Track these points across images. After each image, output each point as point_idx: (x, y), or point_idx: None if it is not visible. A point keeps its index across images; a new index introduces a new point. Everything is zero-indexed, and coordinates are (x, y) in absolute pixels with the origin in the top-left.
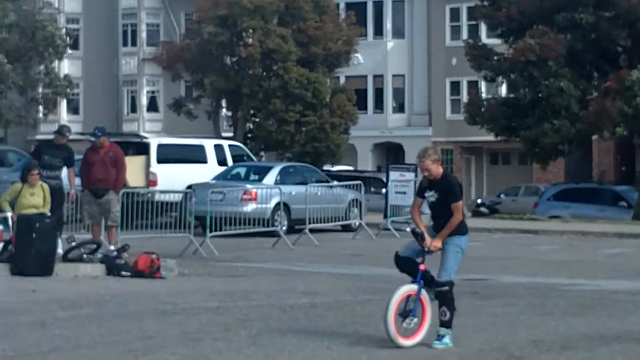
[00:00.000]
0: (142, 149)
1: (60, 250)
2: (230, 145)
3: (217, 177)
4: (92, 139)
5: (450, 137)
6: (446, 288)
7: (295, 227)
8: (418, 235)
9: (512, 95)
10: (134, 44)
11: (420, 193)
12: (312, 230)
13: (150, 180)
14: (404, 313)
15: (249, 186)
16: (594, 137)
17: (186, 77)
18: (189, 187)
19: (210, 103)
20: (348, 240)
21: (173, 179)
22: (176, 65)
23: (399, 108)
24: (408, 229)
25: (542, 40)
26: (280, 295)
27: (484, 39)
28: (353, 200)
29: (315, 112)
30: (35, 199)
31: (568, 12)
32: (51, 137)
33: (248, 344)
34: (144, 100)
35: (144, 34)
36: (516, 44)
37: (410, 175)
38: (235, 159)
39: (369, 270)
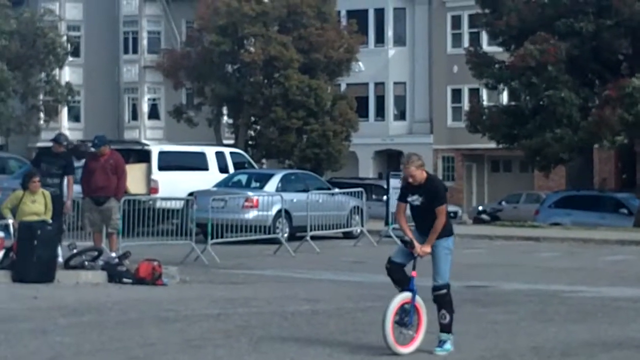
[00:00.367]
0: (143, 156)
1: (60, 258)
2: (231, 153)
3: (219, 185)
4: (93, 149)
5: (452, 144)
6: (444, 291)
7: (296, 234)
8: (407, 243)
9: (513, 103)
10: (135, 51)
11: (402, 198)
12: (313, 238)
13: (152, 188)
14: (401, 321)
15: (250, 193)
16: (595, 146)
17: (187, 85)
18: (191, 194)
19: (212, 110)
20: (349, 248)
21: (174, 186)
22: (177, 72)
23: (400, 115)
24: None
25: (542, 46)
26: (281, 303)
27: (485, 46)
28: (354, 207)
29: (316, 119)
30: (37, 206)
31: (568, 20)
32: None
33: (249, 351)
34: (145, 108)
35: (145, 42)
36: (517, 51)
37: None
38: (237, 166)
39: (370, 278)
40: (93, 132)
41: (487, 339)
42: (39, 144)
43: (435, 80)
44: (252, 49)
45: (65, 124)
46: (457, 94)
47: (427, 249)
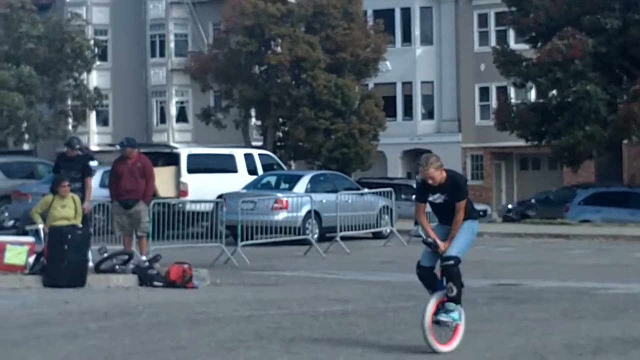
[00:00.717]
0: (172, 159)
1: (91, 262)
2: (260, 154)
3: (248, 186)
4: (118, 147)
5: (480, 143)
6: (452, 262)
7: (326, 235)
8: (430, 245)
9: (541, 100)
10: (162, 54)
11: (422, 198)
12: (343, 238)
13: (181, 191)
14: (442, 319)
15: (279, 195)
16: (624, 141)
17: (215, 87)
18: (220, 196)
19: (240, 112)
20: (379, 248)
21: (204, 188)
22: (205, 75)
23: (428, 115)
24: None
25: (569, 41)
26: (312, 303)
27: (512, 44)
28: (384, 207)
29: (344, 119)
30: (67, 210)
31: (594, 16)
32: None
33: (281, 353)
34: (173, 111)
35: (172, 45)
36: (544, 47)
37: None
38: (266, 167)
39: (401, 277)
40: (121, 136)
41: (519, 337)
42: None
43: (462, 79)
44: (278, 50)
45: (93, 128)
46: (484, 92)
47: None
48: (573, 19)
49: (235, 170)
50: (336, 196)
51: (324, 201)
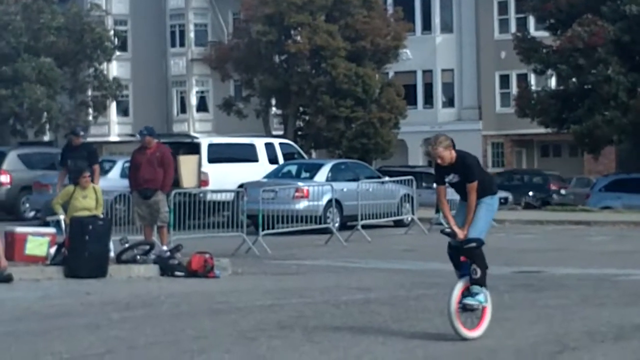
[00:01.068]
0: (193, 149)
1: (112, 253)
2: (281, 144)
3: (269, 176)
4: (138, 136)
5: (501, 130)
6: (474, 244)
7: (347, 223)
8: (449, 235)
9: (561, 87)
10: (182, 44)
11: (440, 180)
12: (364, 227)
13: (202, 180)
14: (466, 306)
15: (300, 184)
16: None
17: (235, 77)
18: (241, 186)
19: (260, 102)
20: (400, 236)
21: (224, 178)
22: (225, 64)
23: (449, 102)
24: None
25: (590, 28)
26: (333, 292)
27: (533, 31)
28: (405, 195)
29: (364, 107)
30: (88, 201)
31: (614, 3)
32: (101, 139)
33: (303, 341)
34: (193, 101)
35: (192, 35)
36: (564, 34)
37: None
38: (286, 157)
39: (422, 265)
40: (142, 126)
41: (540, 324)
42: (89, 139)
43: (483, 67)
44: (298, 39)
45: (114, 119)
46: (505, 80)
47: (467, 231)
48: (593, 5)
49: (256, 160)
50: (357, 185)
51: (344, 190)
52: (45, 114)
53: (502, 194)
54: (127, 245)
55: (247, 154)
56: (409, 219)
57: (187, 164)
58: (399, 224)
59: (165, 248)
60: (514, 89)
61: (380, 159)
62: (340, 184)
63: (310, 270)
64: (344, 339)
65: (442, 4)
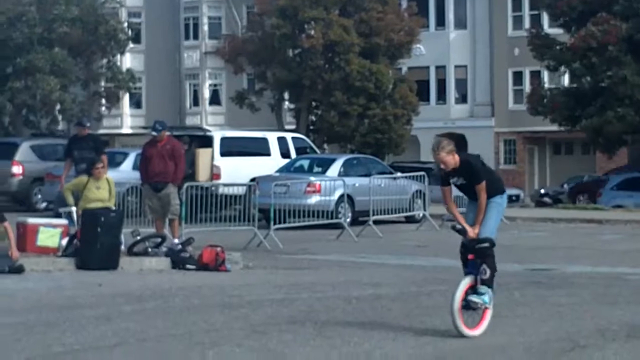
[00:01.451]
0: (205, 142)
1: (123, 245)
2: (293, 138)
3: (281, 170)
4: (154, 133)
5: (513, 127)
6: (486, 244)
7: (359, 218)
8: (460, 232)
9: (574, 85)
10: (195, 37)
11: (445, 182)
12: (375, 222)
13: (214, 174)
14: (470, 303)
15: (312, 178)
16: None
17: (248, 70)
18: (253, 179)
19: (273, 96)
20: (412, 232)
21: (237, 172)
22: (238, 58)
23: (462, 99)
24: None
25: (604, 27)
26: (345, 287)
27: (546, 28)
28: (417, 191)
29: (377, 103)
30: (101, 192)
31: (626, 1)
32: (114, 131)
33: (314, 336)
34: (206, 94)
35: (205, 27)
36: (578, 32)
37: None
38: (299, 151)
39: (434, 261)
40: (154, 118)
41: (552, 322)
42: (101, 131)
43: (496, 63)
44: (312, 33)
45: (126, 111)
46: (518, 77)
47: (478, 230)
48: (607, 3)
49: (268, 154)
50: (369, 180)
51: (356, 185)
52: (58, 105)
53: (512, 191)
54: (138, 237)
55: (259, 148)
56: (421, 214)
57: (203, 157)
58: (410, 219)
59: (176, 241)
60: (527, 86)
61: (393, 154)
62: (352, 179)
63: (322, 265)
64: (354, 334)
65: (456, 0)
